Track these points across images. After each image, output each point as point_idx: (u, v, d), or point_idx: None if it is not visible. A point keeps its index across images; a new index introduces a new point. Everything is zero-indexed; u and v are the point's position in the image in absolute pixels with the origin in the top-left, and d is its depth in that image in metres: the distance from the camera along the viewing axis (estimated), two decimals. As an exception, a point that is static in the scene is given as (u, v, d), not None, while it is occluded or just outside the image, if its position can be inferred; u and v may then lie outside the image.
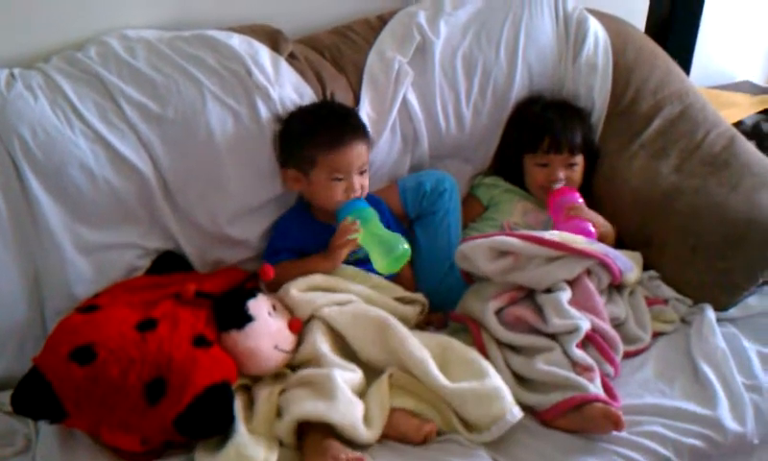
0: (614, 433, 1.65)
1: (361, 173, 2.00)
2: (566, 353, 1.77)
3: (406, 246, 1.92)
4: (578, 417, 1.65)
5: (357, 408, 1.62)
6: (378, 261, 1.92)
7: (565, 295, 1.86)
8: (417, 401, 1.69)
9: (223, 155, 1.96)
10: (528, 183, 2.30)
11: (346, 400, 1.61)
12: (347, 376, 1.67)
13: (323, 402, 1.59)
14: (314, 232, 2.01)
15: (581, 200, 2.17)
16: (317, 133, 1.96)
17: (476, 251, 1.91)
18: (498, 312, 1.87)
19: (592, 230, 2.06)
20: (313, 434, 1.58)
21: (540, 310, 1.86)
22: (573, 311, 1.82)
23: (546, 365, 1.74)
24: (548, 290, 1.89)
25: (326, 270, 1.95)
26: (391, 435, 1.64)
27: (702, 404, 1.75)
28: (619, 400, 1.73)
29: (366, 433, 1.60)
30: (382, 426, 1.64)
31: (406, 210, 2.16)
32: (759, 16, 3.58)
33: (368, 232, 1.93)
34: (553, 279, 1.89)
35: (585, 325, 1.79)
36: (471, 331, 1.89)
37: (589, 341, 1.81)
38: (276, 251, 2.03)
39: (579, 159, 2.26)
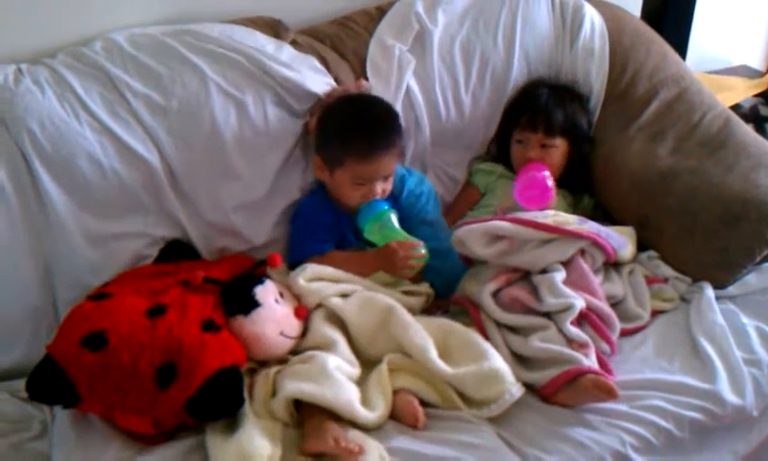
0: (615, 407, 1.68)
1: (385, 179, 2.01)
2: (562, 331, 1.80)
3: (424, 251, 1.95)
4: (573, 390, 1.69)
5: (351, 390, 1.64)
6: None
7: (560, 275, 1.89)
8: (415, 379, 1.72)
9: (228, 145, 1.98)
10: (512, 163, 2.32)
11: (338, 381, 1.63)
12: (344, 367, 1.69)
13: (315, 383, 1.61)
14: (338, 221, 2.03)
15: (547, 172, 2.17)
16: (350, 138, 1.96)
17: (471, 236, 1.95)
18: (495, 294, 1.90)
19: (547, 175, 2.12)
20: (315, 416, 1.60)
21: (535, 290, 1.89)
22: (567, 291, 1.85)
23: (542, 342, 1.77)
24: (543, 271, 1.92)
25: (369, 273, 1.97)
26: (390, 415, 1.67)
27: (701, 379, 1.78)
28: (614, 373, 1.76)
29: (367, 414, 1.62)
30: (387, 408, 1.66)
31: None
32: (755, 0, 3.60)
33: (386, 234, 1.95)
34: (547, 260, 1.92)
35: (579, 303, 1.82)
36: (471, 314, 1.92)
37: (585, 319, 1.84)
38: (310, 237, 2.03)
39: (557, 142, 2.27)
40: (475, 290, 1.94)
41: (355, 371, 1.73)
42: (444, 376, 1.69)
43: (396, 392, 1.69)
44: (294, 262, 1.97)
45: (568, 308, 1.81)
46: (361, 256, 1.99)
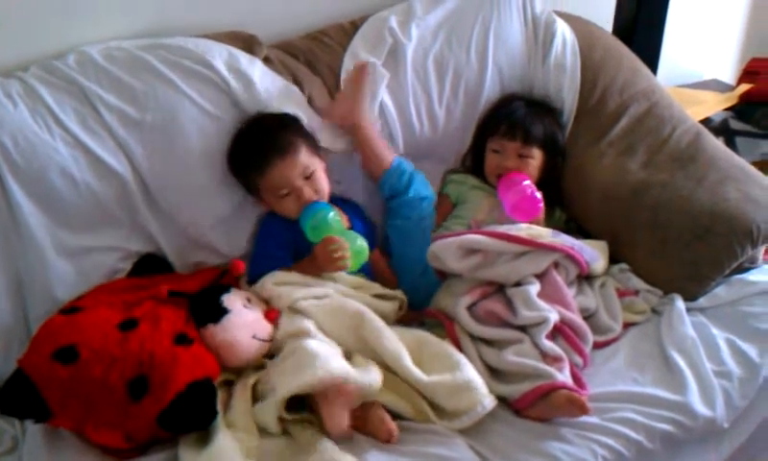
0: (587, 419, 1.69)
1: (307, 178, 2.00)
2: (536, 345, 1.81)
3: (363, 243, 1.96)
4: (546, 404, 1.70)
5: (340, 359, 1.66)
6: None
7: (534, 288, 1.90)
8: (386, 391, 1.71)
9: (201, 159, 1.99)
10: (486, 173, 2.32)
11: (325, 356, 1.64)
12: (326, 346, 1.71)
13: (306, 369, 1.61)
14: (295, 234, 2.02)
15: (528, 181, 2.18)
16: (245, 160, 2.00)
17: (445, 250, 1.95)
18: (470, 307, 1.91)
19: (538, 195, 2.13)
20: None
21: (510, 304, 1.90)
22: (542, 304, 1.86)
23: (516, 356, 1.78)
24: (518, 284, 1.93)
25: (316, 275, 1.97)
26: (362, 429, 1.67)
27: (672, 390, 1.79)
28: (587, 388, 1.77)
29: (363, 375, 1.63)
30: (380, 371, 1.68)
31: (383, 185, 2.18)
32: (725, 15, 3.63)
33: (319, 234, 1.95)
34: (521, 273, 1.93)
35: (553, 316, 1.83)
36: (445, 326, 1.92)
37: (559, 333, 1.85)
38: (266, 257, 2.04)
39: (535, 153, 2.27)
40: (450, 303, 1.95)
41: (337, 349, 1.73)
42: (418, 384, 1.70)
43: (368, 406, 1.68)
44: (252, 279, 1.97)
45: (543, 322, 1.82)
46: (301, 264, 1.99)
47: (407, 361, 1.72)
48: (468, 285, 1.96)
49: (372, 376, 1.65)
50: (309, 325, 1.78)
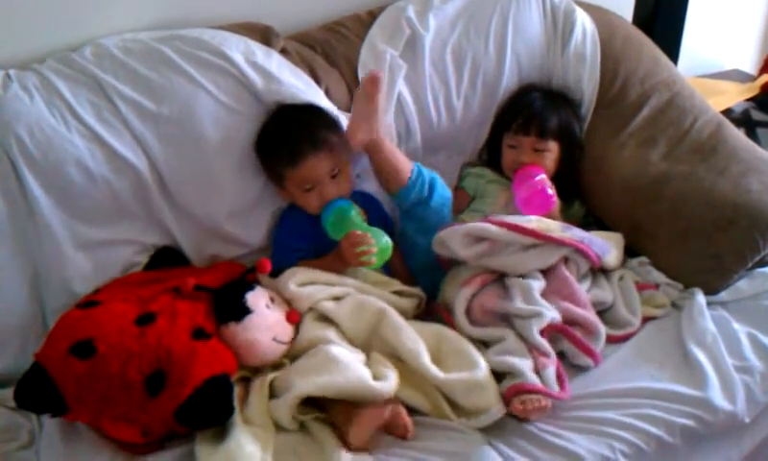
0: (604, 414, 1.69)
1: (334, 176, 2.00)
2: (524, 338, 1.80)
3: (388, 240, 1.95)
4: (517, 404, 1.67)
5: (360, 368, 1.66)
6: None
7: (537, 284, 1.89)
8: (404, 386, 1.70)
9: (218, 151, 1.98)
10: (503, 168, 2.31)
11: (344, 363, 1.65)
12: (347, 353, 1.71)
13: (325, 373, 1.62)
14: (319, 227, 2.01)
15: (543, 175, 2.18)
16: (277, 149, 1.99)
17: (453, 236, 1.95)
18: (469, 303, 1.91)
19: (544, 178, 2.13)
20: (344, 411, 1.63)
21: (507, 293, 1.90)
22: (541, 300, 1.85)
23: (497, 355, 1.77)
24: (522, 277, 1.92)
25: (342, 270, 1.97)
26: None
27: (692, 386, 1.78)
28: (568, 391, 1.74)
29: (381, 386, 1.63)
30: (397, 378, 1.67)
31: (404, 196, 2.10)
32: (746, 4, 3.60)
33: (342, 230, 1.95)
34: (528, 266, 1.93)
35: (550, 314, 1.82)
36: (447, 322, 1.92)
37: (562, 333, 1.84)
38: (286, 249, 2.04)
39: (551, 146, 2.25)
40: (453, 294, 1.95)
41: (360, 355, 1.74)
42: (435, 381, 1.69)
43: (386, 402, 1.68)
44: (273, 273, 1.96)
45: (537, 315, 1.81)
46: (324, 259, 1.99)
47: (425, 359, 1.71)
48: (470, 273, 1.96)
49: (389, 384, 1.64)
50: (331, 334, 1.78)
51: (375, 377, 1.66)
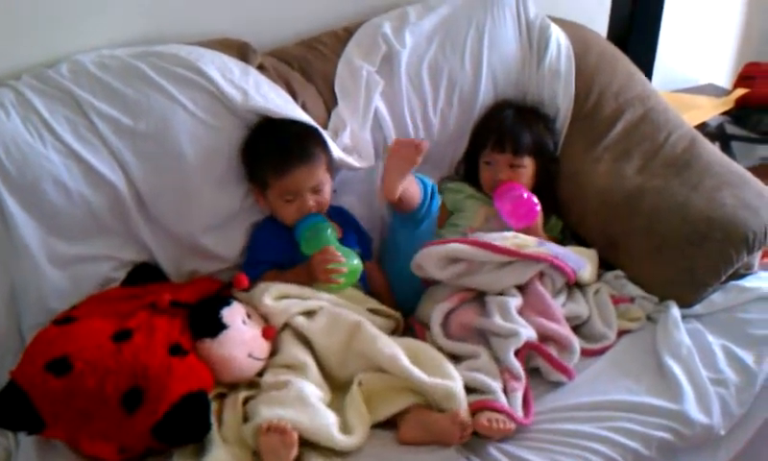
0: (580, 427, 1.70)
1: (315, 191, 2.02)
2: (497, 359, 1.81)
3: (359, 262, 1.96)
4: (484, 420, 1.67)
5: (328, 415, 1.64)
6: None
7: (514, 301, 1.91)
8: (390, 399, 1.72)
9: (195, 167, 1.97)
10: (482, 184, 2.33)
11: (314, 407, 1.64)
12: (316, 393, 1.69)
13: (292, 409, 1.61)
14: (290, 242, 2.02)
15: (523, 190, 2.19)
16: (266, 156, 2.00)
17: (428, 260, 1.96)
18: (446, 318, 1.92)
19: (534, 199, 2.15)
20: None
21: (485, 310, 1.91)
22: (519, 319, 1.86)
23: (468, 371, 1.77)
24: (500, 294, 1.94)
25: (307, 284, 1.96)
26: (427, 440, 1.67)
27: (668, 399, 1.79)
28: (531, 416, 1.74)
29: (345, 439, 1.61)
30: (365, 431, 1.66)
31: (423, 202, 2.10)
32: (720, 19, 3.64)
33: (314, 245, 1.95)
34: (504, 283, 1.94)
35: (526, 333, 1.83)
36: (419, 337, 1.94)
37: (537, 351, 1.85)
38: (256, 263, 2.04)
39: (526, 162, 2.27)
40: (429, 311, 1.96)
41: (325, 396, 1.72)
42: (418, 382, 1.69)
43: (415, 414, 1.70)
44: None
45: (514, 335, 1.81)
46: (291, 271, 2.00)
47: (405, 362, 1.71)
48: (448, 291, 1.97)
49: (348, 442, 1.62)
50: (308, 359, 1.77)
51: (343, 428, 1.65)
